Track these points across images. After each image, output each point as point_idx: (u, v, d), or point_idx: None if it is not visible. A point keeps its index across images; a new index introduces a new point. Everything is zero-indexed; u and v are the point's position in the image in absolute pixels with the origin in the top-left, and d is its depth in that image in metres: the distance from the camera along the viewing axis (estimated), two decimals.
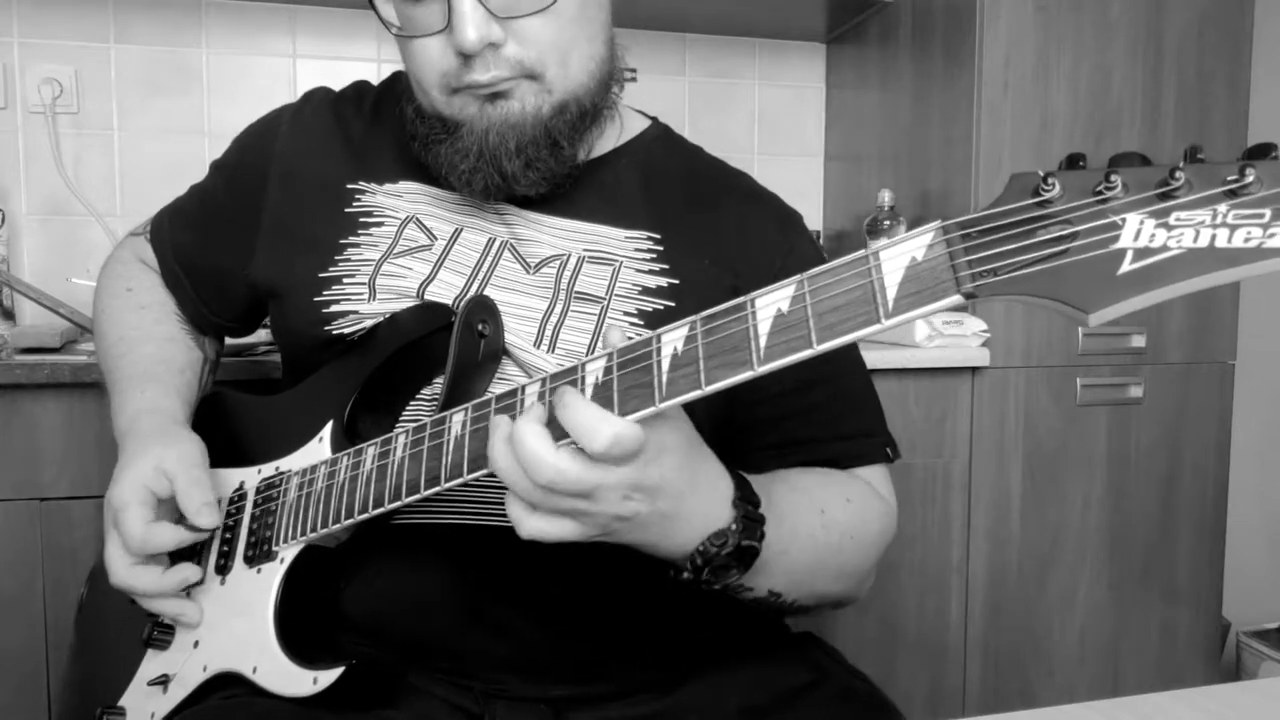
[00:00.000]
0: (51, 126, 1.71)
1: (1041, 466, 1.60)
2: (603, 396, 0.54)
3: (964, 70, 1.60)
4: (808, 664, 0.76)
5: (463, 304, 0.73)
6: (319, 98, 0.87)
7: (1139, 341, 1.63)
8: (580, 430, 0.51)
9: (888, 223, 1.70)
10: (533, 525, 0.55)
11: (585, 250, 0.78)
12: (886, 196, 1.71)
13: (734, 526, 0.60)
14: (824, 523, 0.69)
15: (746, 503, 0.61)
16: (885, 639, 1.56)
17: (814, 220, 2.13)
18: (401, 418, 0.75)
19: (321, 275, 0.78)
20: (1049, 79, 1.58)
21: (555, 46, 0.71)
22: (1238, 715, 0.59)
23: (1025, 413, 1.58)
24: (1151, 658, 1.69)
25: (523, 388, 0.59)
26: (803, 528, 0.68)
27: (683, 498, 0.57)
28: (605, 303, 0.75)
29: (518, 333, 0.74)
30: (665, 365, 0.52)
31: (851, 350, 0.82)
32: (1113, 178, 0.43)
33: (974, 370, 1.55)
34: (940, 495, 1.56)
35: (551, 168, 0.74)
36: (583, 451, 0.52)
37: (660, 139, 0.87)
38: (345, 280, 0.77)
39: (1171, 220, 0.42)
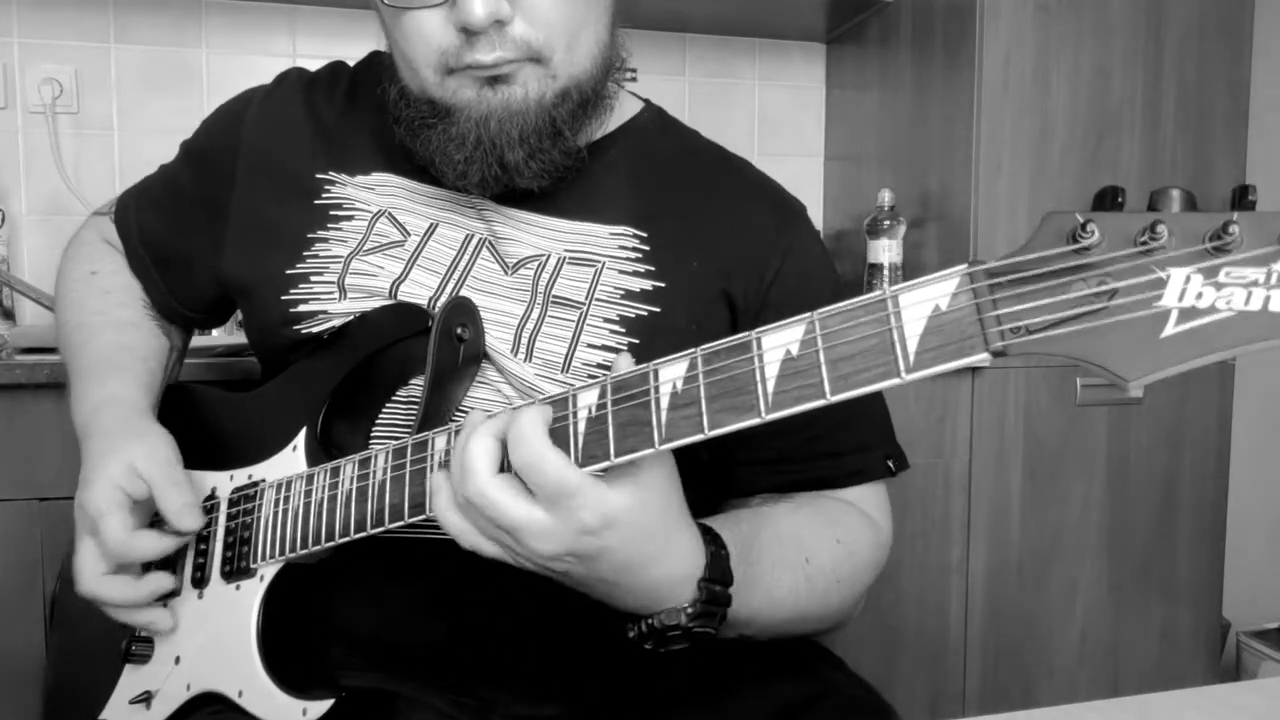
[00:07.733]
0: (51, 126, 1.70)
1: (1041, 466, 1.60)
2: (597, 431, 0.51)
3: (964, 70, 1.59)
4: (810, 676, 0.73)
5: (439, 308, 0.69)
6: (291, 79, 0.83)
7: None
8: (513, 449, 0.51)
9: (888, 223, 1.70)
10: (459, 527, 0.55)
11: (566, 250, 0.73)
12: (886, 196, 1.71)
13: (689, 610, 0.57)
14: (808, 574, 0.67)
15: (713, 583, 0.58)
16: (885, 639, 1.56)
17: (814, 221, 2.12)
18: (377, 422, 0.72)
19: (289, 272, 0.74)
20: (1049, 79, 1.58)
21: (565, 28, 0.66)
22: (1238, 715, 0.59)
23: (1025, 413, 1.58)
24: (1151, 658, 1.69)
25: (511, 403, 0.58)
26: (781, 586, 0.65)
27: (629, 571, 0.54)
28: (585, 308, 0.71)
29: (493, 338, 0.71)
30: (665, 403, 0.49)
31: None
32: (1159, 228, 0.39)
33: (974, 370, 1.55)
34: (940, 495, 1.56)
35: (554, 159, 0.70)
36: (521, 485, 0.51)
37: (653, 123, 0.82)
38: (313, 278, 0.73)
39: (1221, 278, 0.37)
